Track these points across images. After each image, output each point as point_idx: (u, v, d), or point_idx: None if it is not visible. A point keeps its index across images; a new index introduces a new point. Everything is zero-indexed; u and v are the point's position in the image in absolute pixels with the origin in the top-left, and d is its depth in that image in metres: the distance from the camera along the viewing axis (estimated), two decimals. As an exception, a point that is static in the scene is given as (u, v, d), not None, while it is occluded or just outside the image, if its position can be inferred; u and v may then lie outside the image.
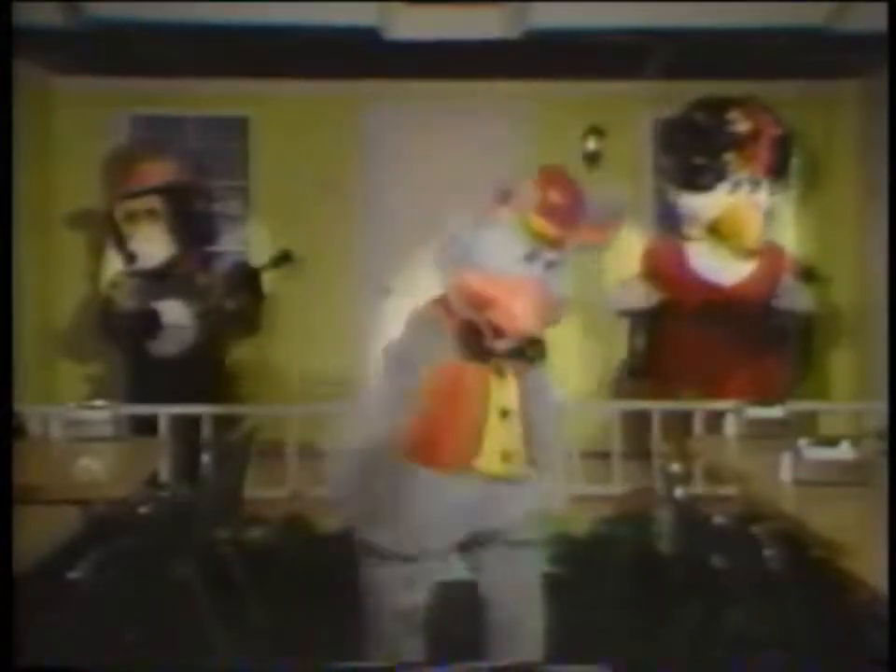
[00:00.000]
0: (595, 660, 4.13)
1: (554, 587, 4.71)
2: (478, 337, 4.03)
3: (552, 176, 4.05)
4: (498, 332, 4.00)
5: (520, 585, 4.24)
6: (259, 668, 4.51)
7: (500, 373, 4.06)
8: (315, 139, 8.27)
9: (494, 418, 4.04)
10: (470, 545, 4.19)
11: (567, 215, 3.99)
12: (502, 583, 4.22)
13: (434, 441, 4.04)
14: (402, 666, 4.10)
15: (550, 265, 4.02)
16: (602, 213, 4.03)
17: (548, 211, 3.97)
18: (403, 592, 4.15)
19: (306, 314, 8.20)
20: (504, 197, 4.00)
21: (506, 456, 4.04)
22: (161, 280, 7.76)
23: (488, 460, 4.03)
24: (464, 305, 4.03)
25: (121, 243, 7.83)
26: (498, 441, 4.04)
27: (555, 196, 3.98)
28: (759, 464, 4.56)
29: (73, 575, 3.06)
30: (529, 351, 4.07)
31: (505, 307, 3.94)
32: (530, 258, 3.99)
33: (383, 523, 4.10)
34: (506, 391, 4.07)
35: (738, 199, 7.72)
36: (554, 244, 3.98)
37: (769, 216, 7.84)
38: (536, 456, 4.10)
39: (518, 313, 3.94)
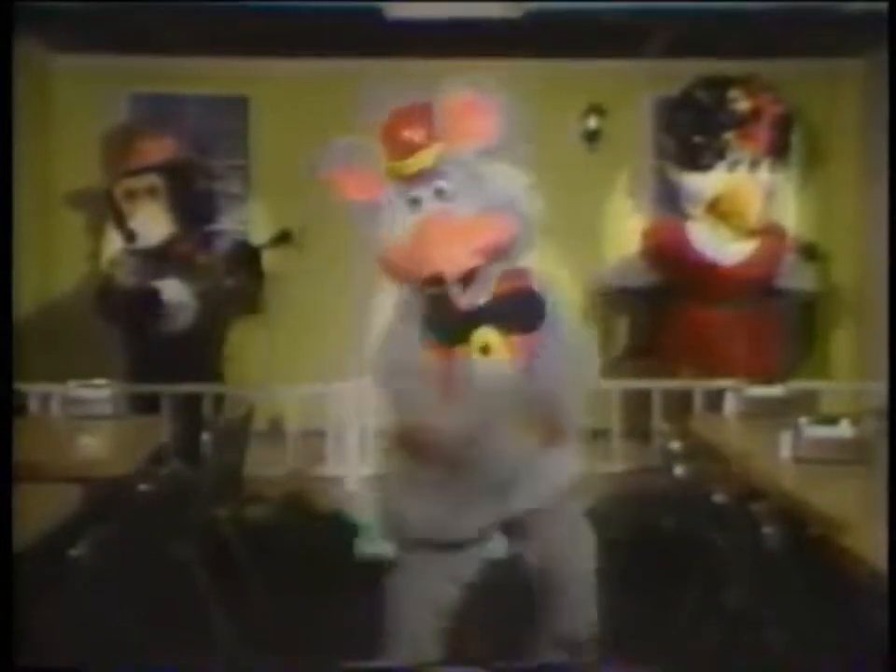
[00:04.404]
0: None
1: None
2: (440, 310, 3.79)
3: (390, 125, 3.83)
4: (449, 295, 3.75)
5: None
6: (265, 668, 4.52)
7: (485, 351, 3.78)
8: (315, 118, 8.24)
9: None
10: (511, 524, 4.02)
11: (418, 135, 3.78)
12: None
13: (421, 434, 3.81)
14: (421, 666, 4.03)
15: (440, 193, 3.80)
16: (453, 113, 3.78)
17: (399, 148, 3.78)
18: (441, 582, 4.03)
19: (306, 292, 8.19)
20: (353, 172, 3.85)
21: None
22: (161, 259, 7.76)
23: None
24: (403, 283, 3.86)
25: (121, 221, 7.82)
26: None
27: (399, 132, 3.78)
28: (759, 442, 4.56)
29: (73, 553, 3.07)
30: (497, 307, 3.78)
31: (428, 253, 3.69)
32: (414, 200, 3.80)
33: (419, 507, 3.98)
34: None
35: (739, 178, 7.72)
36: (431, 169, 3.78)
37: (770, 195, 7.84)
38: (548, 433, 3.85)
39: (444, 250, 3.69)
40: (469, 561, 3.98)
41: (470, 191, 3.80)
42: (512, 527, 4.03)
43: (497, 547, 4.15)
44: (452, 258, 3.70)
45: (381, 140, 3.83)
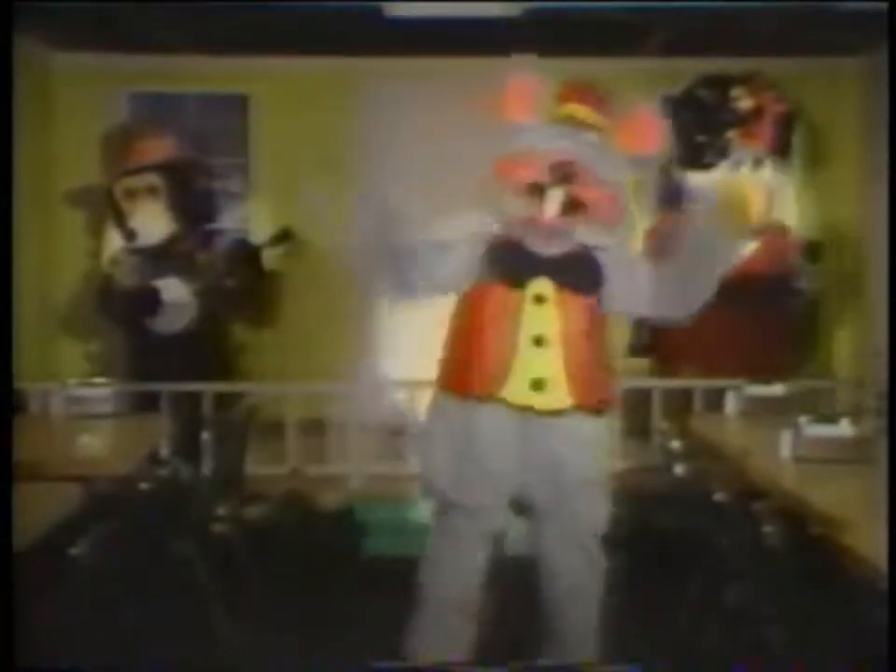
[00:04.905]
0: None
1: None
2: (510, 249, 3.97)
3: (573, 86, 4.19)
4: (539, 225, 3.94)
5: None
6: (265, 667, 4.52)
7: (539, 300, 3.93)
8: (315, 116, 8.24)
9: (526, 346, 3.91)
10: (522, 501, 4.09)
11: (594, 102, 4.09)
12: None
13: (462, 368, 4.00)
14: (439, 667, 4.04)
15: (578, 139, 4.02)
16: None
17: (569, 97, 4.12)
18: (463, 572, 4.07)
19: (306, 291, 8.18)
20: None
21: (538, 385, 3.91)
22: (161, 257, 7.75)
23: (515, 389, 3.91)
24: (509, 187, 4.02)
25: (121, 220, 7.82)
26: (530, 370, 3.91)
27: (575, 88, 4.18)
28: (759, 441, 4.56)
29: (74, 551, 3.07)
30: (563, 263, 3.97)
31: (547, 161, 3.93)
32: (556, 135, 4.03)
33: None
34: (543, 318, 3.94)
35: (741, 176, 7.70)
36: (589, 126, 4.04)
37: (772, 193, 7.82)
38: (577, 391, 3.98)
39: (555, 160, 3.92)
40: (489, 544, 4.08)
41: (602, 158, 4.03)
42: (527, 513, 4.09)
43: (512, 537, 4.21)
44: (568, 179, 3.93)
45: (558, 87, 4.19)
